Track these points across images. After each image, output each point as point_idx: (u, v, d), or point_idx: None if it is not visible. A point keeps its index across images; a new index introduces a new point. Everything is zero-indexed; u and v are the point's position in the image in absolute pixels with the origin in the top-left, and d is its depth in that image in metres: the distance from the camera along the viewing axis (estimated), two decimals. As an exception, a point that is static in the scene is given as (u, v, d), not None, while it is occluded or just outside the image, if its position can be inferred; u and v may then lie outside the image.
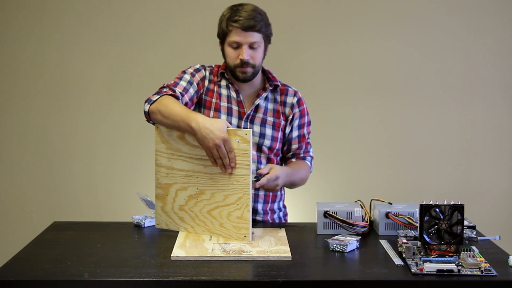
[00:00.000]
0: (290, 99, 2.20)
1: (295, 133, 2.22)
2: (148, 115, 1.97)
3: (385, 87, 3.59)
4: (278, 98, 2.20)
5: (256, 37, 2.04)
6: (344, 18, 3.55)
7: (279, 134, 2.18)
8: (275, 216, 2.24)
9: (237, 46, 2.05)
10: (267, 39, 2.10)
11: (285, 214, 2.31)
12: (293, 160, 2.24)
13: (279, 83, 2.19)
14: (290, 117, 2.20)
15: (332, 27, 3.55)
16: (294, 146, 2.23)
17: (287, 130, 2.21)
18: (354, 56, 3.57)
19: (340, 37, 3.56)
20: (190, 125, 1.84)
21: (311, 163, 2.26)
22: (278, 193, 2.24)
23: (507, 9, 3.54)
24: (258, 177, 1.95)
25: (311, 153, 2.27)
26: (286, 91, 2.21)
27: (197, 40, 3.50)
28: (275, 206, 2.23)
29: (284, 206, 2.31)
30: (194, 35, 3.52)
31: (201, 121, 1.82)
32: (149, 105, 1.97)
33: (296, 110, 2.21)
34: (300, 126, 2.22)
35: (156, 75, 3.42)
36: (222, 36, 2.09)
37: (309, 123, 2.26)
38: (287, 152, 2.24)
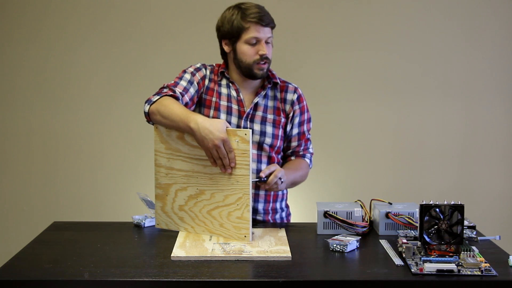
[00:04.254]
0: (290, 96, 2.19)
1: (295, 131, 2.21)
2: (148, 116, 1.97)
3: (385, 88, 3.59)
4: (278, 95, 2.19)
5: (271, 32, 2.08)
6: (349, 20, 3.55)
7: (280, 132, 2.17)
8: (277, 216, 2.22)
9: (256, 42, 2.05)
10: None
11: (288, 214, 2.30)
12: (292, 158, 2.23)
13: (278, 81, 2.18)
14: (291, 114, 2.19)
15: (337, 28, 3.55)
16: (294, 143, 2.22)
17: (288, 127, 2.20)
18: (355, 56, 3.57)
19: (343, 38, 3.55)
20: (189, 125, 1.83)
21: (310, 159, 2.25)
22: (280, 193, 2.23)
23: (506, 12, 3.54)
24: (261, 179, 1.93)
25: (310, 150, 2.26)
26: (286, 88, 2.20)
27: (197, 40, 3.49)
28: (277, 205, 2.22)
29: (287, 206, 2.30)
30: (195, 35, 3.52)
31: (200, 122, 1.82)
32: (149, 105, 1.97)
33: (297, 107, 2.20)
34: (300, 124, 2.21)
35: (157, 75, 3.42)
36: (237, 34, 2.06)
37: (309, 120, 2.24)
38: (286, 150, 2.23)
